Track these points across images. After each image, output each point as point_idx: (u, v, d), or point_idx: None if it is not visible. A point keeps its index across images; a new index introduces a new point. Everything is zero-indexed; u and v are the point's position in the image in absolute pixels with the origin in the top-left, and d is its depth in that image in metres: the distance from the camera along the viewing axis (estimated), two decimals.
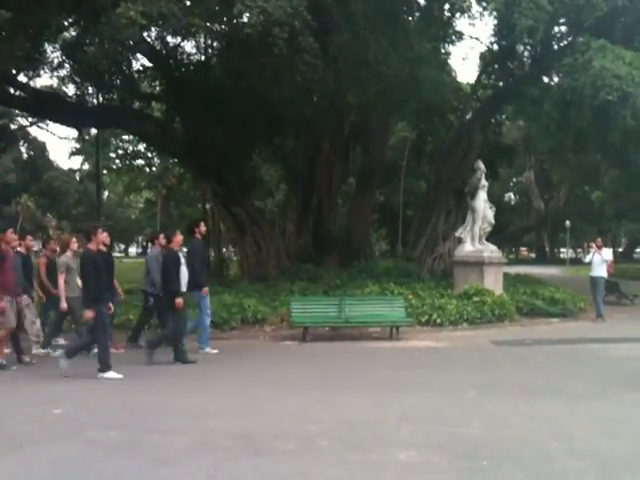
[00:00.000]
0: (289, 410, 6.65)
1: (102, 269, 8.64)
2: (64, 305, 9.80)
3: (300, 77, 12.94)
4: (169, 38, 18.82)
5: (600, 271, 15.12)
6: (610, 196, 46.32)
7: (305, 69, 12.76)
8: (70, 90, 21.26)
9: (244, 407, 6.76)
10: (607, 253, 15.61)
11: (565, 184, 48.46)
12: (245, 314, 13.31)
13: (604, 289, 15.40)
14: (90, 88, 20.65)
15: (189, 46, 19.82)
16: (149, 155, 39.58)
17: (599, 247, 15.33)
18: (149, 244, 11.48)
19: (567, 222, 50.81)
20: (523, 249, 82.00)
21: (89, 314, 8.28)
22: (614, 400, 7.00)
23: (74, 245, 10.26)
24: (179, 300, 9.39)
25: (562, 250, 69.62)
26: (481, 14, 13.90)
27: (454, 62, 49.46)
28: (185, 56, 20.51)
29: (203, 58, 20.49)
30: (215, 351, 10.54)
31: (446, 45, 23.07)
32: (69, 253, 10.11)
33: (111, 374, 8.35)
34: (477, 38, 37.48)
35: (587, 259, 15.84)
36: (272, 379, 8.50)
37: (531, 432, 5.61)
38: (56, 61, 20.01)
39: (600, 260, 15.14)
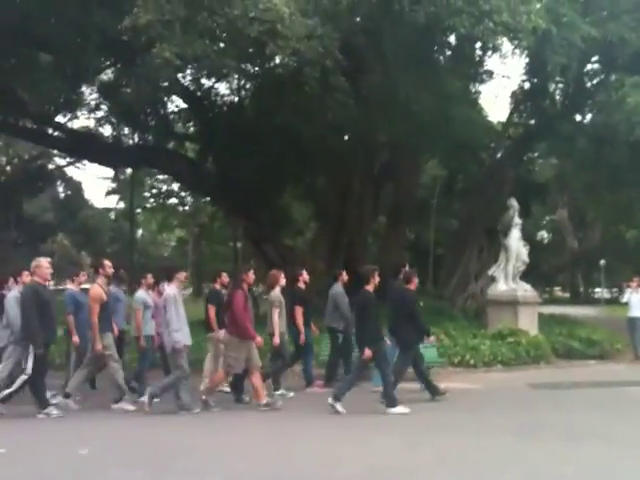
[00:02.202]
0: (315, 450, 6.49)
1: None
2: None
3: (331, 116, 13.01)
4: (203, 80, 19.26)
5: (639, 311, 14.72)
6: None
7: (336, 108, 12.84)
8: (106, 131, 21.82)
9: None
10: None
11: (599, 222, 47.70)
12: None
13: None
14: (126, 128, 21.17)
15: (222, 87, 20.21)
16: (182, 194, 40.21)
17: (637, 286, 14.95)
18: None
19: (601, 261, 49.85)
20: (557, 288, 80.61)
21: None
22: None
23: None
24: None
25: (596, 290, 68.25)
26: (513, 52, 13.90)
27: (484, 101, 49.65)
28: (218, 97, 20.91)
29: (236, 99, 20.84)
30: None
31: (476, 84, 23.21)
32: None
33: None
34: (508, 76, 37.37)
35: (625, 299, 15.42)
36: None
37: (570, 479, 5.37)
38: (93, 102, 20.62)
39: (638, 300, 14.76)
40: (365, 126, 15.61)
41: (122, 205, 56.20)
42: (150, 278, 10.44)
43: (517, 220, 16.30)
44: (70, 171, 51.87)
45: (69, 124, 22.74)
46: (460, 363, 13.05)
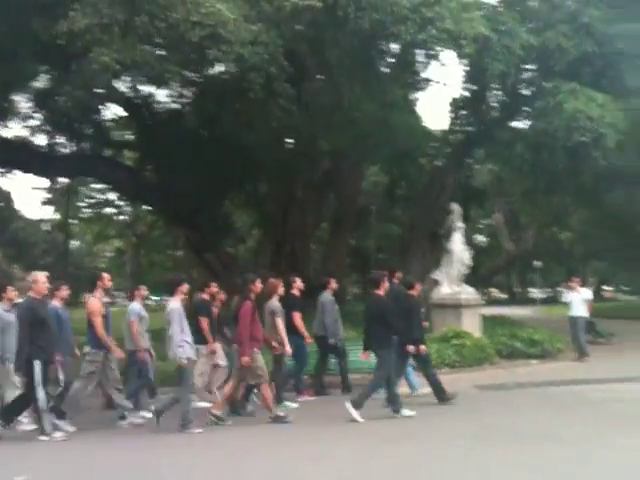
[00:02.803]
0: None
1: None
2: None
3: (275, 122, 12.89)
4: (142, 86, 18.79)
5: (580, 311, 15.14)
6: (579, 236, 47.07)
7: (280, 114, 12.73)
8: (41, 140, 21.00)
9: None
10: (587, 292, 15.72)
11: (534, 225, 49.10)
12: None
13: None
14: (61, 137, 20.43)
15: (162, 94, 19.75)
16: (120, 203, 39.24)
17: (578, 286, 15.37)
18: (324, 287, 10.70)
19: (537, 262, 51.30)
20: (494, 290, 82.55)
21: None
22: (608, 446, 6.80)
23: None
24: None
25: (532, 290, 70.22)
26: (458, 59, 14.08)
27: (424, 109, 50.54)
28: (158, 104, 20.45)
29: (177, 106, 20.44)
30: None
31: (416, 92, 23.51)
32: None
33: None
34: (444, 84, 37.98)
35: (566, 299, 15.83)
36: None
37: None
38: (26, 111, 19.82)
39: (580, 299, 15.17)
40: (308, 133, 15.56)
41: (57, 216, 54.62)
42: (143, 290, 10.15)
43: (459, 224, 16.55)
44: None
45: (0, 133, 21.87)
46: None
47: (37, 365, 7.80)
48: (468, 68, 17.84)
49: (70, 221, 52.58)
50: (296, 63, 13.38)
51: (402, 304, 9.72)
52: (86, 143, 20.51)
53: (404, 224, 23.33)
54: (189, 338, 8.50)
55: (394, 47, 14.67)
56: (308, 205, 21.78)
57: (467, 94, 20.47)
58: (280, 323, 9.59)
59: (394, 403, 8.85)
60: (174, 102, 19.87)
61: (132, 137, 22.64)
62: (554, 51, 15.05)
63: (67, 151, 20.55)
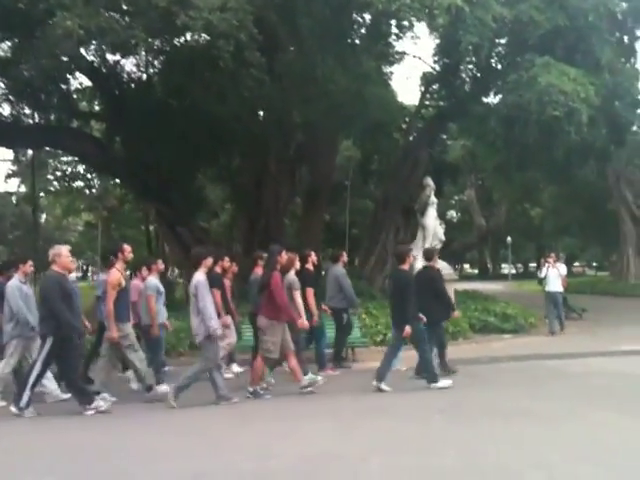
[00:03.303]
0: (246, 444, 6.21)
1: None
2: None
3: (246, 92, 12.56)
4: (108, 55, 18.22)
5: (556, 286, 15.24)
6: (549, 212, 47.51)
7: (251, 84, 12.40)
8: (5, 110, 20.33)
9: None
10: (562, 268, 15.85)
11: (505, 201, 49.42)
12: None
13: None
14: (26, 108, 19.82)
15: (130, 63, 19.22)
16: (89, 176, 38.49)
17: (554, 262, 15.46)
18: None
19: (508, 238, 51.76)
20: (466, 265, 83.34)
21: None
22: (583, 421, 6.80)
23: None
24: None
25: (504, 266, 71.00)
26: (429, 31, 13.86)
27: (397, 82, 50.18)
28: (125, 74, 19.90)
29: (144, 76, 19.91)
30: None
31: (389, 65, 23.25)
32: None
33: None
34: (419, 57, 37.76)
35: (542, 274, 15.91)
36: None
37: (508, 460, 5.32)
38: None
39: (556, 275, 15.28)
40: (280, 105, 15.23)
41: (24, 189, 53.54)
42: (160, 264, 10.05)
43: (433, 199, 16.48)
44: None
45: None
46: (382, 342, 13.01)
47: (49, 341, 7.70)
48: (439, 41, 17.63)
49: (40, 194, 51.60)
50: (267, 32, 13.04)
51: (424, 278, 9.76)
52: (52, 114, 19.94)
53: (377, 199, 23.17)
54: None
55: (367, 18, 14.38)
56: (282, 179, 21.49)
57: (439, 68, 20.29)
58: (298, 297, 9.44)
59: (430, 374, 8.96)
60: (142, 72, 19.37)
61: (99, 108, 22.06)
62: (527, 24, 14.89)
63: (32, 122, 19.95)
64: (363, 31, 15.80)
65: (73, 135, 20.38)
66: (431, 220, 16.14)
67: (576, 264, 71.32)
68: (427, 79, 22.96)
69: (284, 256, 9.09)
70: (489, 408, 7.51)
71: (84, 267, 73.80)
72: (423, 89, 23.38)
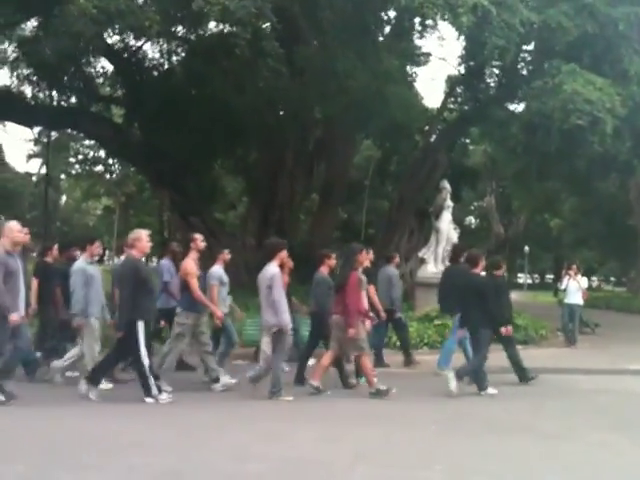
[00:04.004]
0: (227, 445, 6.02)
1: None
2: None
3: (263, 83, 12.41)
4: (131, 41, 18.24)
5: (576, 298, 14.88)
6: (569, 224, 46.87)
7: (269, 75, 12.25)
8: (27, 90, 20.49)
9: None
10: (583, 280, 15.47)
11: (525, 210, 48.89)
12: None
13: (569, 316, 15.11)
14: (47, 90, 19.94)
15: (152, 51, 19.22)
16: (109, 161, 38.68)
17: (575, 274, 15.08)
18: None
19: (526, 248, 51.18)
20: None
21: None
22: (581, 441, 6.51)
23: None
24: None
25: (519, 275, 70.32)
26: (453, 30, 13.57)
27: (420, 85, 49.94)
28: (148, 61, 19.91)
29: (166, 63, 19.88)
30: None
31: (414, 66, 23.01)
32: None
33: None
34: (444, 59, 37.53)
35: (562, 285, 15.56)
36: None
37: (495, 478, 5.07)
38: (12, 57, 19.26)
39: (576, 287, 14.91)
40: (299, 99, 15.07)
41: (44, 170, 53.97)
42: (227, 254, 9.73)
43: (449, 203, 16.21)
44: None
45: None
46: (386, 345, 12.80)
47: (140, 326, 7.46)
48: (465, 43, 17.34)
49: (61, 176, 51.86)
50: (288, 23, 12.87)
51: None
52: (72, 96, 20.01)
53: (393, 200, 22.95)
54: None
55: (390, 14, 14.16)
56: (298, 174, 21.38)
57: (463, 70, 20.02)
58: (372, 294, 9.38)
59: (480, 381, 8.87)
60: (163, 59, 19.34)
61: (120, 93, 22.09)
62: (555, 30, 14.56)
63: (53, 103, 20.07)
64: (386, 29, 15.60)
65: (92, 118, 20.49)
66: (445, 224, 15.88)
67: (593, 278, 70.43)
68: (452, 81, 22.70)
69: (365, 255, 8.83)
70: (487, 421, 7.25)
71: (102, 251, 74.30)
72: (447, 91, 23.13)
